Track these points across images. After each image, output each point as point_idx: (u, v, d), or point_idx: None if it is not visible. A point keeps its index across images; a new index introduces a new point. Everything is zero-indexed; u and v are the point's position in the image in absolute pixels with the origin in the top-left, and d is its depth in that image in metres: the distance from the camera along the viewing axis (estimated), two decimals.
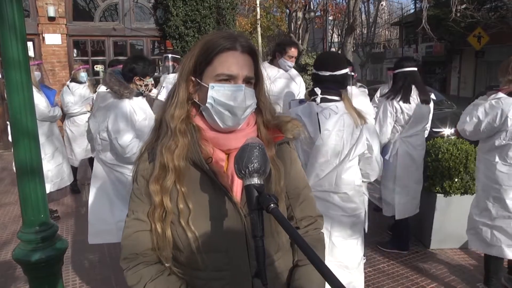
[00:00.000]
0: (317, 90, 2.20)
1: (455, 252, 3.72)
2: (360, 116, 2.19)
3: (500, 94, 2.73)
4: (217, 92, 1.10)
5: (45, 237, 1.69)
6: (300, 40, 17.41)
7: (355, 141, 2.17)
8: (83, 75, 5.62)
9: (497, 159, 2.78)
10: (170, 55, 5.28)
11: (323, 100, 2.20)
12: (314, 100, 2.22)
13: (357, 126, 2.17)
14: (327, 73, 2.20)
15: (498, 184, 2.79)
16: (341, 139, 2.15)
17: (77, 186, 5.86)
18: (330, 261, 2.23)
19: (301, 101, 2.97)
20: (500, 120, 2.69)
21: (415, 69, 3.56)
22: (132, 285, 1.13)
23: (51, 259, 1.70)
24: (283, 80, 4.04)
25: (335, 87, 2.21)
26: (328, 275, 0.76)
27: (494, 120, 2.71)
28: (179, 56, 5.03)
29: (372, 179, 2.46)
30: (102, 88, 4.41)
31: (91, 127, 3.14)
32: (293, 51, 3.97)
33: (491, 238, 2.86)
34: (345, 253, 2.26)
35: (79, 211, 5.04)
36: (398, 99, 3.45)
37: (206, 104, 1.11)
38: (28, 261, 1.67)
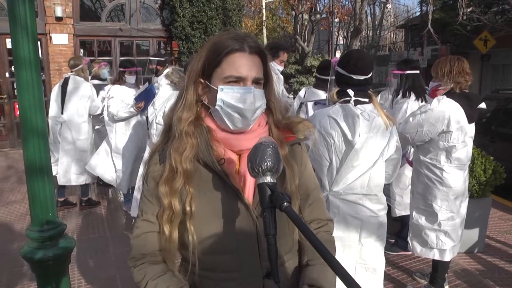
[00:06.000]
0: (351, 92, 2.13)
1: (460, 256, 3.69)
2: (388, 117, 2.16)
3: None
4: (226, 95, 1.10)
5: (52, 236, 1.70)
6: (306, 42, 17.41)
7: (386, 143, 2.16)
8: (105, 71, 5.49)
9: (443, 162, 2.78)
10: (155, 59, 5.25)
11: (356, 102, 2.14)
12: (346, 102, 2.15)
13: (387, 128, 2.14)
14: (362, 77, 2.14)
15: (446, 186, 2.80)
16: (375, 141, 2.13)
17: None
18: (359, 264, 2.23)
19: (315, 103, 2.95)
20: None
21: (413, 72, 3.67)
22: (137, 282, 1.16)
23: (58, 258, 1.71)
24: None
25: (365, 89, 2.18)
26: (342, 272, 0.76)
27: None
28: (163, 59, 4.97)
29: (391, 180, 2.43)
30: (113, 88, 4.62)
31: (149, 114, 3.61)
32: (285, 56, 4.06)
33: (436, 242, 2.89)
34: (373, 255, 2.25)
35: (85, 211, 5.07)
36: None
37: (216, 107, 1.11)
38: (35, 258, 1.68)
